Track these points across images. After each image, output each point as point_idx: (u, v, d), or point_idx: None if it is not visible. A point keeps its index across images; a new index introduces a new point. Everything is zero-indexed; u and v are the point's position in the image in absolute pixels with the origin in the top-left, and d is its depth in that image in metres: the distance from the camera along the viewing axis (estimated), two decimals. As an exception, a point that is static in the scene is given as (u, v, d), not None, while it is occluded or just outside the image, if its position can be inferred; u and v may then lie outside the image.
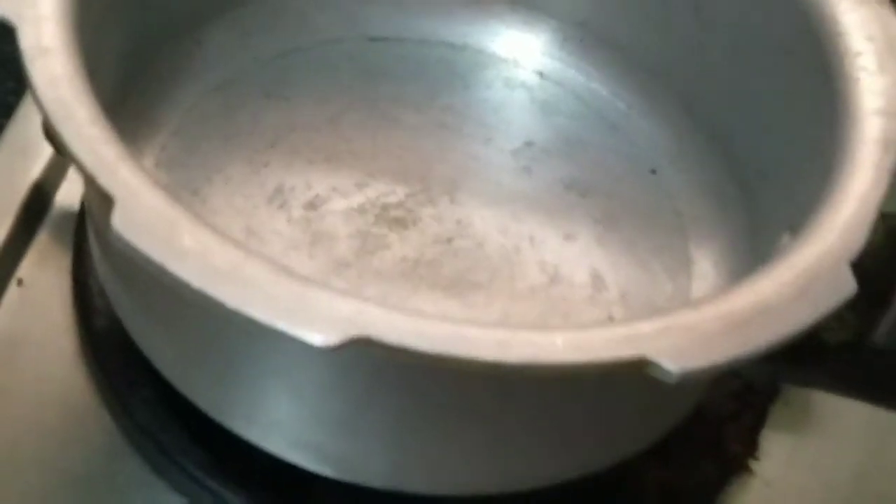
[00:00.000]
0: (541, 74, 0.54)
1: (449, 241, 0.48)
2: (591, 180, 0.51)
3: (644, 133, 0.52)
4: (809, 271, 0.35)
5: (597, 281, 0.47)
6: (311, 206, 0.47)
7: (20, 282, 0.48)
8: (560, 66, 0.54)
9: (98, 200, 0.33)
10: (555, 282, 0.47)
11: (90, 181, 0.32)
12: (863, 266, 0.37)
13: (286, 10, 0.52)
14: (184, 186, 0.46)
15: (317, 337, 0.30)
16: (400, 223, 0.48)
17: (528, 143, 0.52)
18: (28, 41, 0.34)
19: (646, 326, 0.32)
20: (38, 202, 0.50)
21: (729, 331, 0.33)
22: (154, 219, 0.31)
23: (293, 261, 0.45)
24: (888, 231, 0.40)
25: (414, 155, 0.50)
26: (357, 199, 0.48)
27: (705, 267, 0.48)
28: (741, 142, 0.48)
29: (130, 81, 0.46)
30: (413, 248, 0.47)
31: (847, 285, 0.34)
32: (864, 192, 0.37)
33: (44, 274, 0.49)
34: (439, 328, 0.31)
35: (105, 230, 0.31)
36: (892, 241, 0.40)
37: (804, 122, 0.43)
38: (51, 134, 0.33)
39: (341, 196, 0.48)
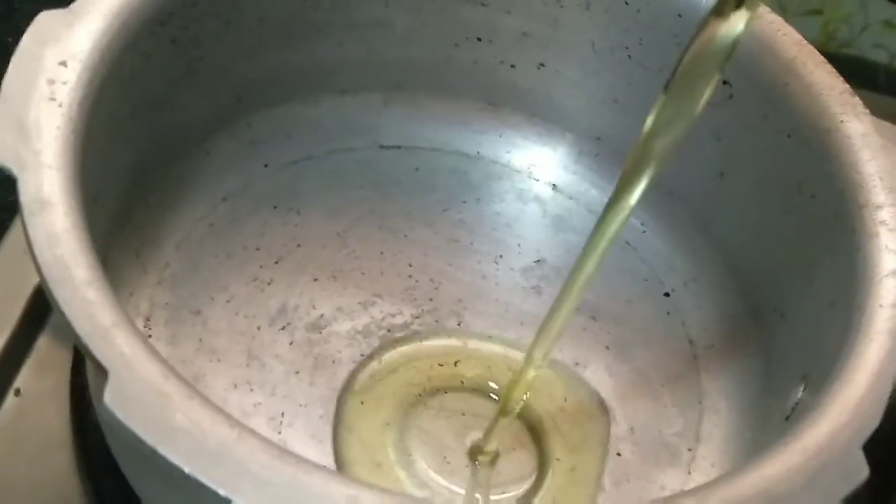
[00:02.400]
0: (554, 187, 0.53)
1: (456, 364, 0.47)
2: (602, 303, 0.50)
3: (659, 254, 0.51)
4: (820, 455, 0.33)
5: (605, 412, 0.47)
6: (315, 327, 0.47)
7: (17, 392, 0.47)
8: (574, 179, 0.53)
9: (92, 368, 0.32)
10: (564, 411, 0.46)
11: (84, 351, 0.31)
12: (879, 430, 0.36)
13: (297, 118, 0.51)
14: (185, 305, 0.45)
15: (308, 533, 0.29)
16: (405, 346, 0.47)
17: (539, 261, 0.51)
18: (28, 195, 0.33)
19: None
20: (38, 307, 0.49)
21: (733, 525, 0.31)
22: (147, 393, 0.31)
23: (294, 387, 0.45)
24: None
25: (422, 273, 0.49)
26: (362, 320, 0.47)
27: (717, 401, 0.47)
28: (759, 275, 0.47)
29: (137, 194, 0.46)
30: (418, 372, 0.46)
31: (859, 472, 0.33)
32: (880, 366, 0.36)
33: (42, 384, 0.48)
34: (435, 518, 0.30)
35: (98, 400, 0.30)
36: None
37: (823, 271, 0.42)
38: (47, 294, 0.32)
39: (346, 317, 0.47)
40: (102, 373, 0.31)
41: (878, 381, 0.35)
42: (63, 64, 0.37)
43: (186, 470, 0.29)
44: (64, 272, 0.32)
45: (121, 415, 0.30)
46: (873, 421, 0.34)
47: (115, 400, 0.30)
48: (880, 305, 0.37)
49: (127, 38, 0.39)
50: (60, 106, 0.36)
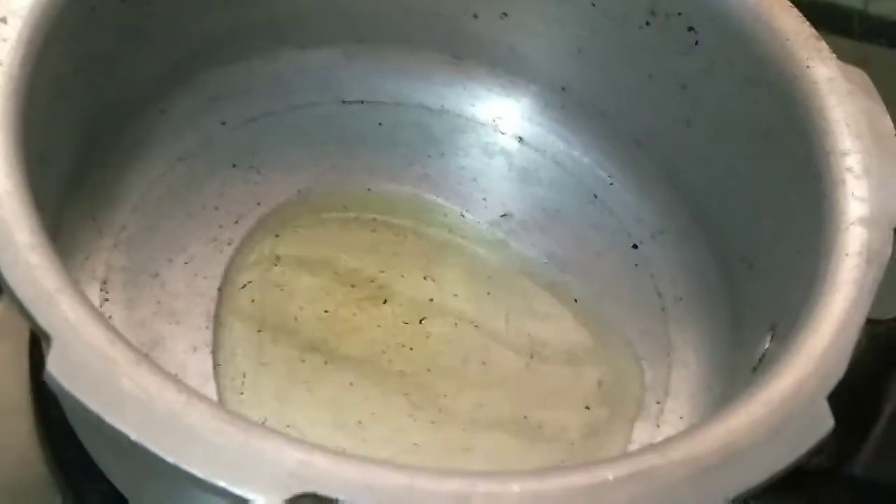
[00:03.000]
0: (520, 140, 0.52)
1: (421, 321, 0.46)
2: (570, 255, 0.49)
3: (626, 205, 0.51)
4: (784, 407, 0.33)
5: (573, 366, 0.46)
6: (277, 285, 0.46)
7: (-24, 355, 0.47)
8: (540, 131, 0.52)
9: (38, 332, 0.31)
10: (530, 368, 0.46)
11: (27, 317, 0.30)
12: (844, 381, 0.35)
13: (256, 74, 0.50)
14: (143, 268, 0.45)
15: (259, 498, 0.28)
16: (370, 302, 0.46)
17: (506, 215, 0.50)
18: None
19: (609, 473, 0.31)
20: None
21: (695, 478, 0.31)
22: (92, 359, 0.30)
23: (255, 348, 0.44)
24: (873, 340, 0.39)
25: (387, 227, 0.49)
26: (325, 275, 0.47)
27: (686, 354, 0.47)
28: (726, 225, 0.46)
29: (90, 155, 0.45)
30: (383, 330, 0.46)
31: (824, 423, 0.33)
32: (845, 316, 0.35)
33: (0, 351, 0.47)
34: (391, 480, 0.29)
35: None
36: (878, 351, 0.38)
37: (790, 219, 0.42)
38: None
39: (308, 273, 0.46)
40: (46, 339, 0.30)
41: (843, 331, 0.35)
42: (2, 20, 0.36)
43: (133, 437, 0.29)
44: (5, 236, 0.31)
45: (65, 382, 0.29)
46: (838, 371, 0.34)
47: (59, 367, 0.29)
48: (846, 254, 0.37)
49: (69, -5, 0.38)
50: (1, 65, 0.35)
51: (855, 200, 0.38)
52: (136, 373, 0.30)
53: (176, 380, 0.30)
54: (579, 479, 0.31)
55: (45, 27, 0.37)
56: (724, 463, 0.31)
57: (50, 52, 0.37)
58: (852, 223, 0.38)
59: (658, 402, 0.45)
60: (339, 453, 0.29)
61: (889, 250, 0.37)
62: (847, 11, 0.73)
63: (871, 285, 0.36)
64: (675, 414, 0.45)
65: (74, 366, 0.30)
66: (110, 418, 0.29)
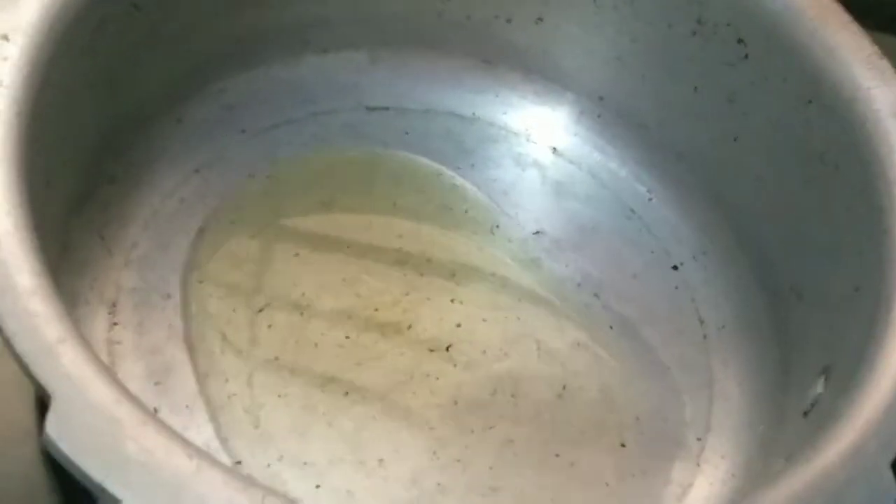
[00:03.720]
0: (555, 151, 0.49)
1: (447, 349, 0.43)
2: (606, 277, 0.47)
3: (666, 223, 0.48)
4: (842, 474, 0.30)
5: (608, 399, 0.43)
6: (296, 307, 0.43)
7: (-20, 377, 0.44)
8: (576, 142, 0.49)
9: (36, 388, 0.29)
10: (562, 399, 0.43)
11: (26, 372, 0.28)
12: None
13: (276, 80, 0.47)
14: (155, 289, 0.42)
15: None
16: (393, 328, 0.44)
17: (539, 232, 0.47)
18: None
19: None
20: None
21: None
22: (95, 421, 0.27)
23: (273, 377, 0.41)
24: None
25: (413, 244, 0.46)
26: (347, 299, 0.44)
27: (729, 387, 0.44)
28: (775, 251, 0.44)
29: (100, 171, 0.42)
30: (407, 358, 0.43)
31: (888, 492, 0.30)
32: (910, 370, 0.32)
33: (5, 372, 0.45)
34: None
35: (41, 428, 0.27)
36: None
37: (847, 251, 0.39)
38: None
39: (329, 296, 0.44)
40: (45, 396, 0.28)
41: (907, 386, 0.32)
42: (5, 38, 0.33)
43: (138, 510, 0.26)
44: (3, 280, 0.29)
45: (64, 446, 0.27)
46: (903, 434, 0.31)
47: (59, 429, 0.27)
48: (909, 298, 0.34)
49: (79, 6, 0.35)
50: (2, 86, 0.32)
51: (921, 238, 0.35)
52: (142, 435, 0.28)
53: (185, 442, 0.28)
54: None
55: (52, 43, 0.34)
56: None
57: (57, 68, 0.35)
58: (917, 263, 0.35)
59: (699, 439, 0.43)
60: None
61: (956, 292, 0.34)
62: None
63: (940, 334, 0.33)
64: (716, 453, 0.42)
65: (75, 428, 0.27)
66: (113, 487, 0.26)
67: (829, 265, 0.40)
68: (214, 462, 0.28)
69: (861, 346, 0.34)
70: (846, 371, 0.35)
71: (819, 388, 0.37)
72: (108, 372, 0.29)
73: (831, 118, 0.39)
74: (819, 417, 0.34)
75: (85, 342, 0.29)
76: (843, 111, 0.39)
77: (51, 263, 0.36)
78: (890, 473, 0.30)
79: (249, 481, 0.28)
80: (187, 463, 0.27)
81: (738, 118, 0.44)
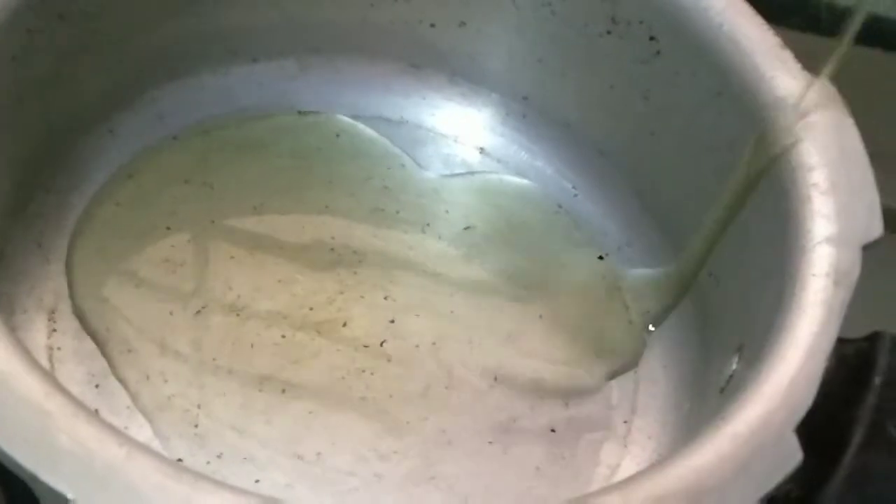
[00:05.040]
0: (482, 151, 0.51)
1: (381, 344, 0.44)
2: (535, 269, 0.48)
3: (592, 216, 0.50)
4: (751, 441, 0.32)
5: (538, 387, 0.45)
6: (233, 309, 0.44)
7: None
8: (503, 142, 0.51)
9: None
10: (495, 390, 0.44)
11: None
12: (813, 405, 0.34)
13: (206, 87, 0.48)
14: (91, 294, 0.43)
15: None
16: (328, 326, 0.45)
17: (469, 228, 0.49)
18: None
19: (571, 516, 0.30)
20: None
21: (661, 522, 0.30)
22: (27, 414, 0.28)
23: (211, 377, 0.42)
24: (842, 361, 0.37)
25: (346, 245, 0.47)
26: (282, 299, 0.45)
27: (654, 370, 0.46)
28: (693, 239, 0.45)
29: (34, 180, 0.43)
30: (342, 355, 0.44)
31: (792, 456, 0.32)
32: (813, 341, 0.34)
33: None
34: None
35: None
36: (847, 373, 0.37)
37: (756, 235, 0.40)
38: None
39: (265, 297, 0.45)
40: (-23, 392, 0.28)
41: (810, 357, 0.34)
42: (-69, 50, 0.34)
43: (70, 496, 0.27)
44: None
45: (-3, 439, 0.28)
46: (806, 400, 0.33)
47: (-9, 423, 0.28)
48: (813, 275, 0.36)
49: (5, 17, 0.36)
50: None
51: (821, 218, 0.37)
52: (73, 426, 0.28)
53: (117, 432, 0.29)
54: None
55: (-24, 56, 0.35)
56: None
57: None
58: (819, 242, 0.36)
59: (625, 422, 0.44)
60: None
61: (857, 270, 0.36)
62: (815, 4, 0.72)
63: (839, 308, 0.35)
64: (643, 433, 0.44)
65: (6, 420, 0.28)
66: (45, 476, 0.27)
67: (741, 250, 0.41)
68: (146, 450, 0.29)
69: (769, 323, 0.36)
70: (756, 347, 0.36)
71: (734, 365, 0.39)
72: (39, 368, 0.29)
73: (739, 108, 0.41)
74: (732, 396, 0.35)
75: (16, 342, 0.30)
76: (750, 101, 0.41)
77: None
78: (794, 439, 0.32)
79: (181, 468, 0.29)
80: (117, 451, 0.28)
81: (654, 113, 0.46)
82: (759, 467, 0.31)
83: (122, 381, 0.42)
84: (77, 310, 0.43)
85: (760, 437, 0.32)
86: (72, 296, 0.43)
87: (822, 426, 0.36)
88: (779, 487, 0.32)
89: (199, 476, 0.29)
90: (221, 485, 0.29)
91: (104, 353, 0.42)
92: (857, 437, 0.35)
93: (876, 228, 0.37)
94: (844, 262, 0.36)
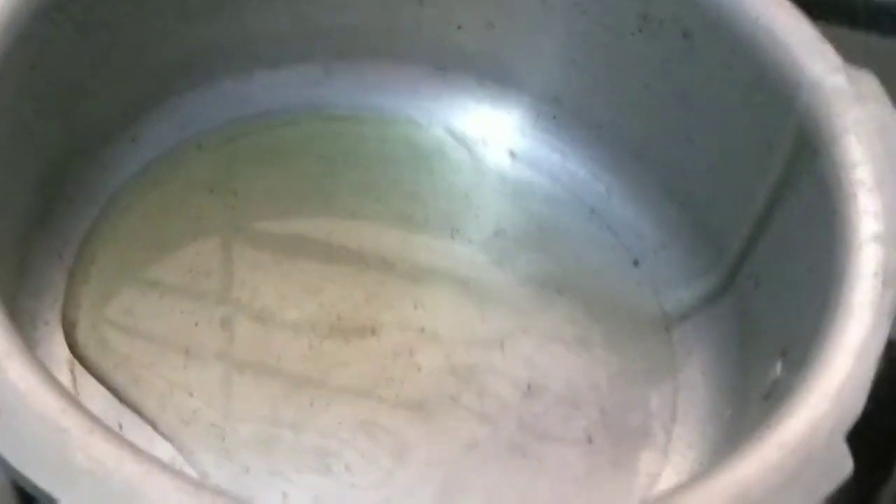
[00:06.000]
0: (512, 154, 0.50)
1: (411, 353, 0.43)
2: (568, 274, 0.47)
3: (626, 220, 0.48)
4: (799, 450, 0.30)
5: (573, 394, 0.43)
6: (259, 318, 0.43)
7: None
8: (533, 144, 0.50)
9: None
10: (527, 398, 0.43)
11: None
12: (864, 413, 0.33)
13: (231, 93, 0.47)
14: (114, 306, 0.42)
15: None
16: (357, 335, 0.44)
17: (499, 233, 0.47)
18: None
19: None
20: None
21: (706, 536, 0.28)
22: (41, 431, 0.27)
23: (237, 388, 0.41)
24: (893, 364, 0.36)
25: (374, 252, 0.46)
26: (310, 307, 0.44)
27: (693, 377, 0.44)
28: (731, 241, 0.43)
29: (55, 191, 0.42)
30: (371, 364, 0.43)
31: (843, 465, 0.30)
32: (861, 345, 0.32)
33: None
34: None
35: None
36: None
37: (799, 235, 0.39)
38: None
39: (292, 305, 0.44)
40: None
41: (859, 361, 0.32)
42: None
43: (88, 517, 0.26)
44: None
45: (12, 458, 0.27)
46: (856, 407, 0.31)
47: (5, 442, 0.27)
48: (860, 275, 0.34)
49: (19, 29, 0.35)
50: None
51: (867, 216, 0.36)
52: (90, 443, 0.28)
53: (136, 449, 0.28)
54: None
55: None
56: (735, 517, 0.29)
57: (3, 90, 0.34)
58: (866, 241, 0.35)
59: (665, 430, 0.43)
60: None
61: (907, 271, 0.34)
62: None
63: (889, 308, 0.34)
64: (682, 441, 0.42)
65: (21, 438, 0.27)
66: (61, 495, 0.26)
67: (783, 250, 0.40)
68: (165, 467, 0.28)
69: (814, 326, 0.34)
70: (801, 351, 0.35)
71: (777, 370, 0.37)
72: (57, 384, 0.28)
73: (778, 105, 0.40)
74: (777, 399, 0.34)
75: (34, 358, 0.29)
76: (789, 97, 0.39)
77: (8, 286, 0.36)
78: (844, 447, 0.30)
79: (201, 486, 0.28)
80: (136, 469, 0.27)
81: (689, 112, 0.44)
82: (808, 477, 0.30)
83: (145, 394, 0.41)
84: (100, 322, 0.42)
85: (808, 445, 0.30)
86: (94, 308, 0.42)
87: (873, 434, 0.34)
88: (829, 498, 0.30)
89: (221, 492, 0.27)
90: (245, 502, 0.27)
91: (127, 366, 0.41)
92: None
93: (924, 226, 0.35)
94: (893, 262, 0.34)
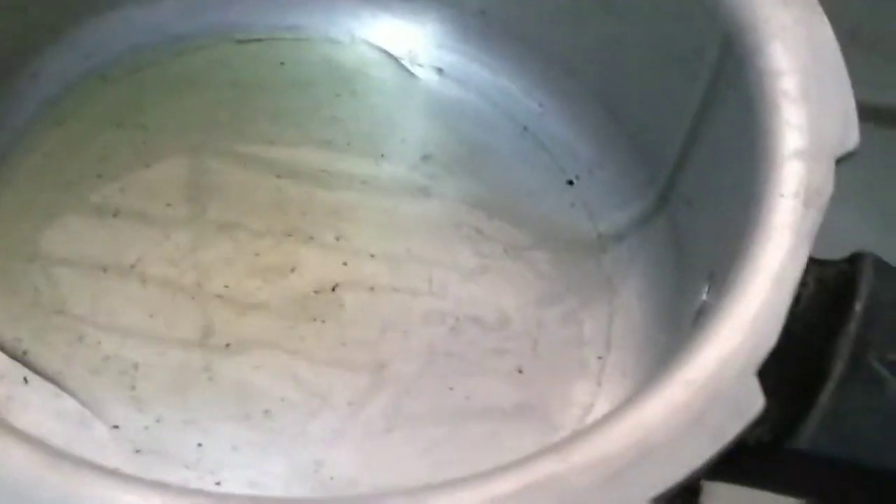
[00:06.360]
0: (440, 71, 0.47)
1: (334, 289, 0.41)
2: (499, 198, 0.44)
3: (560, 138, 0.46)
4: (707, 387, 0.28)
5: (504, 326, 0.41)
6: (170, 261, 0.41)
7: None
8: (462, 60, 0.47)
9: None
10: (456, 332, 0.41)
11: None
12: (790, 332, 0.31)
13: (135, 19, 0.45)
14: (18, 252, 0.40)
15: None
16: (275, 272, 0.41)
17: (427, 157, 0.45)
18: None
19: (505, 484, 0.27)
20: None
21: (603, 485, 0.27)
22: None
23: (149, 336, 0.39)
24: (822, 284, 0.34)
25: (292, 184, 0.44)
26: (224, 246, 0.42)
27: (628, 300, 0.42)
28: (665, 156, 0.41)
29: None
30: (291, 302, 0.41)
31: (753, 403, 0.28)
32: (780, 270, 0.30)
33: None
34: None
35: None
36: (827, 299, 0.34)
37: (724, 151, 0.36)
38: None
39: (205, 245, 0.42)
40: None
41: (776, 288, 0.30)
42: None
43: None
44: None
45: None
46: (769, 339, 0.29)
47: None
48: (781, 195, 0.32)
49: None
50: None
51: (791, 129, 0.33)
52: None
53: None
54: (466, 494, 0.26)
55: None
56: (636, 463, 0.27)
57: None
58: (788, 157, 0.33)
59: (599, 358, 0.41)
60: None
61: (830, 187, 0.32)
62: None
63: (809, 231, 0.31)
64: (617, 370, 0.41)
65: None
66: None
67: (712, 166, 0.38)
68: (27, 439, 0.26)
69: (734, 250, 0.32)
70: (724, 276, 0.33)
71: (703, 295, 0.35)
72: None
73: (705, 9, 0.37)
74: (697, 327, 0.32)
75: None
76: (714, 1, 0.36)
77: None
78: (755, 383, 0.28)
79: (63, 456, 0.26)
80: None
81: (617, 22, 0.42)
82: (716, 418, 0.28)
83: (52, 344, 0.39)
84: (2, 269, 0.40)
85: (717, 382, 0.28)
86: (-4, 255, 0.40)
87: (798, 361, 0.32)
88: (747, 433, 0.28)
89: (83, 465, 0.26)
90: (108, 473, 0.26)
91: (33, 315, 0.39)
92: (836, 372, 0.31)
93: (851, 139, 0.33)
94: (816, 179, 0.32)
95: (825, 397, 0.31)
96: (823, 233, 0.33)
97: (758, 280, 0.30)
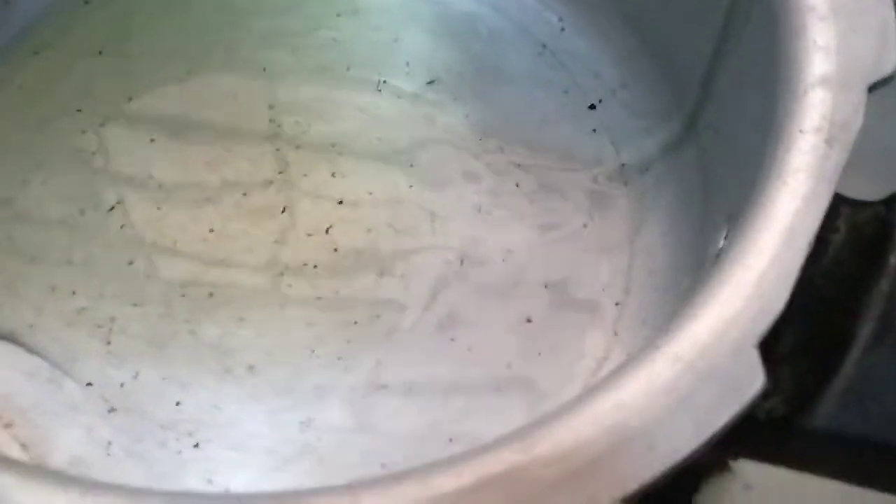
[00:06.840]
0: (450, -15, 0.43)
1: (327, 231, 0.38)
2: (512, 126, 0.40)
3: (581, 56, 0.41)
4: (698, 364, 0.24)
5: (512, 269, 0.38)
6: (153, 202, 0.38)
7: None
8: (473, -29, 0.42)
9: None
10: (460, 275, 0.38)
11: None
12: (812, 286, 0.26)
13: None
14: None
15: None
16: (265, 213, 0.38)
17: (433, 82, 0.41)
18: None
19: (455, 479, 0.23)
20: None
21: (567, 482, 0.23)
22: None
23: (126, 284, 0.37)
24: (853, 231, 0.29)
25: (286, 114, 0.40)
26: (211, 185, 0.39)
27: (651, 239, 0.38)
28: (691, 79, 0.36)
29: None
30: (281, 246, 0.38)
31: (751, 381, 0.24)
32: (793, 222, 0.26)
33: None
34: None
35: None
36: (859, 247, 0.29)
37: (749, 73, 0.32)
38: None
39: (190, 184, 0.39)
40: None
41: (786, 245, 0.26)
42: None
43: None
44: None
45: None
46: (775, 305, 0.25)
47: None
48: (801, 130, 0.27)
49: None
50: None
51: (817, 51, 0.28)
52: None
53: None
54: (409, 490, 0.23)
55: None
56: (607, 456, 0.23)
57: None
58: (811, 85, 0.28)
59: (617, 304, 0.37)
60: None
61: (860, 120, 0.27)
62: None
63: (831, 174, 0.27)
64: (636, 318, 0.37)
65: None
66: None
67: (737, 94, 0.33)
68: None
69: (748, 194, 0.28)
70: (738, 222, 0.28)
71: (721, 240, 0.31)
72: None
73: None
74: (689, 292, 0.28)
75: None
76: None
77: None
78: (755, 357, 0.24)
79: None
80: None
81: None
82: (705, 399, 0.24)
83: (23, 295, 0.36)
84: (-26, 216, 0.37)
85: (709, 357, 0.24)
86: (-33, 199, 0.37)
87: (818, 322, 0.28)
88: (754, 406, 0.24)
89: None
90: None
91: (3, 265, 0.37)
92: (863, 336, 0.27)
93: (889, 61, 0.28)
94: (842, 111, 0.27)
95: (848, 366, 0.27)
96: (860, 166, 0.28)
97: (766, 234, 0.26)
